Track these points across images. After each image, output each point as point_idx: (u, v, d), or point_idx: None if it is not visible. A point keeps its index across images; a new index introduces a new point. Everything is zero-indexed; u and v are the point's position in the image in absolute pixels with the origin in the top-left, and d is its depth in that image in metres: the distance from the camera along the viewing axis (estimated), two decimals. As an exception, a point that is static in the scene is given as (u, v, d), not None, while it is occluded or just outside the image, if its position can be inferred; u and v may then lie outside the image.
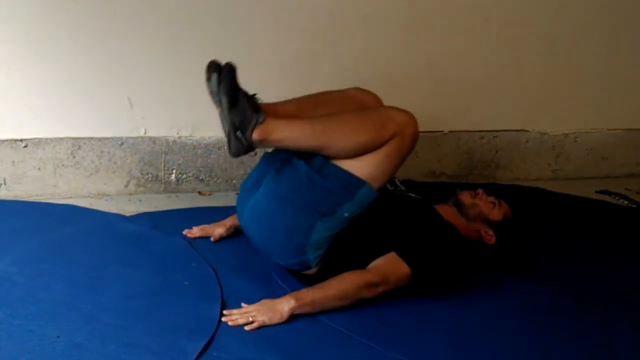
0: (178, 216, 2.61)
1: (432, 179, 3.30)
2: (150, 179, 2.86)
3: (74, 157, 2.74)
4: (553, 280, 2.36)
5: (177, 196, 2.86)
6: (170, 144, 2.84)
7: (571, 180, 3.49)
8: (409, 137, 2.01)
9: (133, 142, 2.79)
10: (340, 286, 1.99)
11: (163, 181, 2.88)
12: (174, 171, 2.88)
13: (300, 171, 2.02)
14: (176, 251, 2.29)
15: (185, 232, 2.41)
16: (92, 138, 2.74)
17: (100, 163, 2.77)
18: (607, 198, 3.28)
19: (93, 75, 2.67)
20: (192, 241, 2.37)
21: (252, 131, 1.93)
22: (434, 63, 3.13)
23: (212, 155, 2.90)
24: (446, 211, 2.27)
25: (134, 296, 1.97)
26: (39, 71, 2.62)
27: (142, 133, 2.80)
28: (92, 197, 2.77)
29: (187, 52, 2.75)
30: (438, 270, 2.10)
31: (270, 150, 2.19)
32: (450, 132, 3.28)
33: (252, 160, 2.76)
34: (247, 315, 1.91)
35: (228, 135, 1.96)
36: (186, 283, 2.08)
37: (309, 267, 2.07)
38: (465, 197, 2.31)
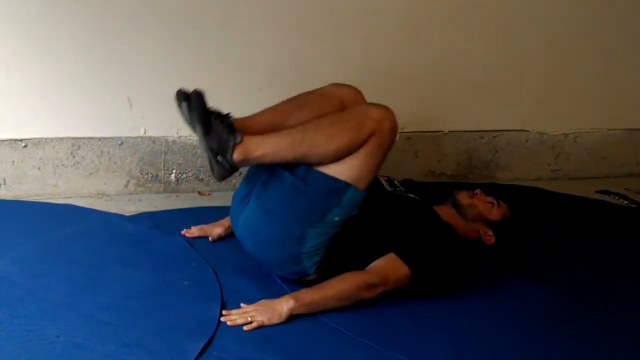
0: (178, 216, 2.61)
1: (432, 179, 3.30)
2: (150, 179, 2.86)
3: (74, 157, 2.74)
4: (553, 280, 2.36)
5: (177, 196, 2.86)
6: (170, 144, 2.84)
7: (571, 180, 3.49)
8: (388, 133, 2.00)
9: (133, 142, 2.79)
10: (340, 287, 1.99)
11: (163, 181, 2.88)
12: (174, 171, 2.88)
13: (286, 181, 2.01)
14: (176, 251, 2.29)
15: (183, 232, 2.41)
16: (92, 138, 2.74)
17: (100, 163, 2.77)
18: (607, 198, 3.27)
19: (93, 75, 2.67)
20: (192, 241, 2.37)
21: (232, 153, 1.92)
22: (434, 63, 3.13)
23: (212, 155, 2.90)
24: (445, 212, 2.27)
25: (134, 296, 1.97)
26: (39, 71, 2.62)
27: (142, 133, 2.80)
28: (92, 197, 2.77)
29: (187, 52, 2.75)
30: (438, 271, 2.10)
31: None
32: (450, 132, 3.28)
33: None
34: (246, 315, 1.91)
35: (210, 162, 1.96)
36: (186, 283, 2.08)
37: (308, 275, 2.08)
38: (464, 198, 2.31)
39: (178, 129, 2.84)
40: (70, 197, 2.74)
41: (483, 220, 2.27)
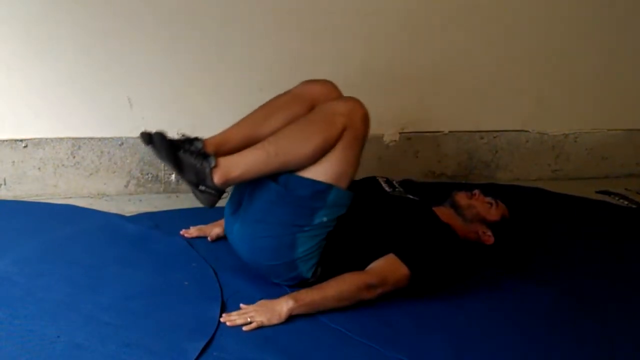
0: (178, 216, 2.61)
1: (432, 179, 3.30)
2: (150, 179, 2.86)
3: (74, 157, 2.74)
4: (553, 280, 2.36)
5: (177, 196, 2.86)
6: (170, 144, 2.84)
7: (571, 181, 3.49)
8: (360, 123, 2.00)
9: (133, 142, 2.79)
10: (339, 287, 1.99)
11: (163, 181, 2.88)
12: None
13: (270, 190, 2.02)
14: (176, 251, 2.29)
15: (182, 232, 2.41)
16: (92, 138, 2.74)
17: (100, 163, 2.77)
18: (607, 198, 3.27)
19: (93, 75, 2.67)
20: (191, 241, 2.37)
21: (211, 178, 1.93)
22: (434, 63, 3.13)
23: (212, 155, 2.90)
24: (444, 213, 2.27)
25: (134, 296, 1.97)
26: (39, 71, 2.62)
27: (142, 133, 2.79)
28: (92, 197, 2.77)
29: (187, 52, 2.75)
30: (437, 272, 2.10)
31: None
32: (450, 132, 3.28)
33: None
34: (245, 316, 1.91)
35: (193, 193, 1.97)
36: (186, 283, 2.08)
37: (306, 279, 2.08)
38: (462, 198, 2.31)
39: (178, 129, 2.82)
40: (70, 197, 2.74)
41: (481, 220, 2.27)
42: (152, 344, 1.75)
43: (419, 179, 3.20)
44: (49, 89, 2.64)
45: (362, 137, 2.02)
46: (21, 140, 2.67)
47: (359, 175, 2.63)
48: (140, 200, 2.78)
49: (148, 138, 1.94)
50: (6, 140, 2.65)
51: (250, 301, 1.97)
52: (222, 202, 2.76)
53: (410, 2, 3.02)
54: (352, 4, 2.93)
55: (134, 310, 1.90)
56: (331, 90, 2.17)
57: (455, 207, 2.30)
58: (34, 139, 2.68)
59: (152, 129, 2.77)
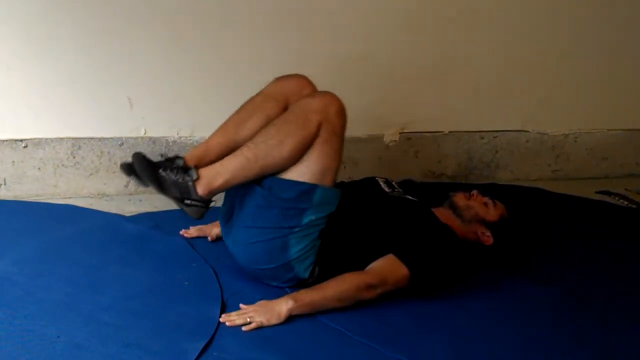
0: (178, 216, 2.58)
1: (432, 179, 3.30)
2: (150, 179, 2.85)
3: (74, 157, 2.74)
4: (553, 280, 2.36)
5: (177, 196, 2.86)
6: (170, 144, 2.84)
7: (571, 181, 3.49)
8: (335, 117, 1.99)
9: (133, 142, 2.79)
10: (339, 287, 1.99)
11: (163, 181, 2.88)
12: (174, 171, 2.88)
13: (256, 194, 2.02)
14: (176, 251, 2.29)
15: (182, 232, 2.41)
16: (92, 138, 2.74)
17: (100, 163, 2.77)
18: (607, 198, 3.27)
19: (93, 75, 2.67)
20: (191, 241, 2.37)
21: (195, 190, 1.95)
22: (434, 63, 3.13)
23: (212, 155, 2.90)
24: (442, 214, 2.27)
25: (134, 296, 1.97)
26: (39, 71, 2.62)
27: (142, 133, 2.80)
28: (92, 197, 2.77)
29: (187, 52, 2.75)
30: (436, 272, 2.10)
31: None
32: (450, 132, 3.28)
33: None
34: (245, 316, 1.90)
35: (181, 209, 1.99)
36: (186, 283, 2.08)
37: (304, 279, 2.08)
38: (460, 199, 2.31)
39: (178, 129, 2.84)
40: (70, 197, 2.74)
41: (480, 221, 2.27)
42: (152, 344, 1.75)
43: (419, 179, 3.20)
44: (49, 89, 2.65)
45: (339, 131, 2.01)
46: (21, 140, 2.67)
47: (359, 176, 2.64)
48: (140, 200, 2.78)
49: (128, 168, 1.96)
50: (6, 140, 2.65)
51: (250, 301, 1.97)
52: (219, 203, 2.76)
53: (410, 2, 3.02)
54: (352, 4, 2.93)
55: (134, 310, 1.90)
56: (303, 85, 2.16)
57: (454, 208, 2.29)
58: (34, 139, 2.68)
59: (152, 129, 2.81)
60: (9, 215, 2.47)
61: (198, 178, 1.96)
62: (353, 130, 3.07)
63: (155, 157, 2.78)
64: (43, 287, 1.96)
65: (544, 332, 2.05)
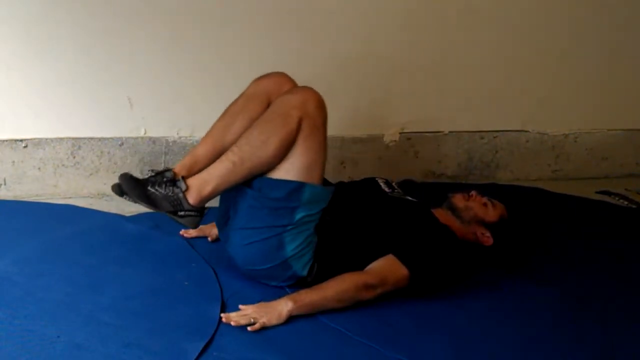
0: (178, 216, 2.60)
1: (432, 179, 3.30)
2: (150, 179, 2.85)
3: (74, 157, 2.74)
4: (553, 281, 2.36)
5: (177, 196, 2.86)
6: (170, 144, 2.84)
7: (571, 181, 3.49)
8: (315, 111, 1.99)
9: (133, 142, 2.79)
10: (339, 287, 1.99)
11: (163, 181, 2.87)
12: (174, 171, 2.88)
13: (247, 196, 2.03)
14: (176, 251, 2.29)
15: (182, 232, 2.41)
16: (92, 138, 2.74)
17: (100, 163, 2.77)
18: (607, 198, 3.27)
19: (93, 75, 2.67)
20: (191, 241, 2.37)
21: (186, 201, 1.95)
22: (434, 63, 3.13)
23: (212, 155, 2.90)
24: (442, 214, 2.27)
25: (134, 296, 1.97)
26: (39, 71, 2.62)
27: (142, 133, 2.80)
28: (92, 197, 2.77)
29: (187, 52, 2.75)
30: (436, 273, 2.10)
31: None
32: (450, 132, 3.28)
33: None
34: (245, 317, 1.90)
35: (176, 221, 1.99)
36: (186, 283, 2.08)
37: (303, 277, 2.08)
38: (459, 200, 2.31)
39: (178, 129, 2.84)
40: (70, 197, 2.74)
41: (479, 221, 2.27)
42: (152, 344, 1.75)
43: (419, 179, 3.20)
44: (49, 89, 2.64)
45: (320, 125, 2.01)
46: (21, 140, 2.67)
47: (359, 176, 2.65)
48: (140, 200, 2.77)
49: (118, 189, 1.97)
50: (6, 140, 2.65)
51: (250, 301, 1.97)
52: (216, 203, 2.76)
53: (410, 2, 3.02)
54: (352, 4, 2.92)
55: (134, 310, 1.90)
56: (283, 81, 2.16)
57: (453, 209, 2.30)
58: (34, 139, 2.68)
59: (152, 129, 2.80)
60: (9, 215, 2.47)
61: (187, 188, 1.96)
62: (353, 130, 3.10)
63: (156, 157, 2.82)
64: (43, 287, 1.96)
65: (544, 332, 2.05)
